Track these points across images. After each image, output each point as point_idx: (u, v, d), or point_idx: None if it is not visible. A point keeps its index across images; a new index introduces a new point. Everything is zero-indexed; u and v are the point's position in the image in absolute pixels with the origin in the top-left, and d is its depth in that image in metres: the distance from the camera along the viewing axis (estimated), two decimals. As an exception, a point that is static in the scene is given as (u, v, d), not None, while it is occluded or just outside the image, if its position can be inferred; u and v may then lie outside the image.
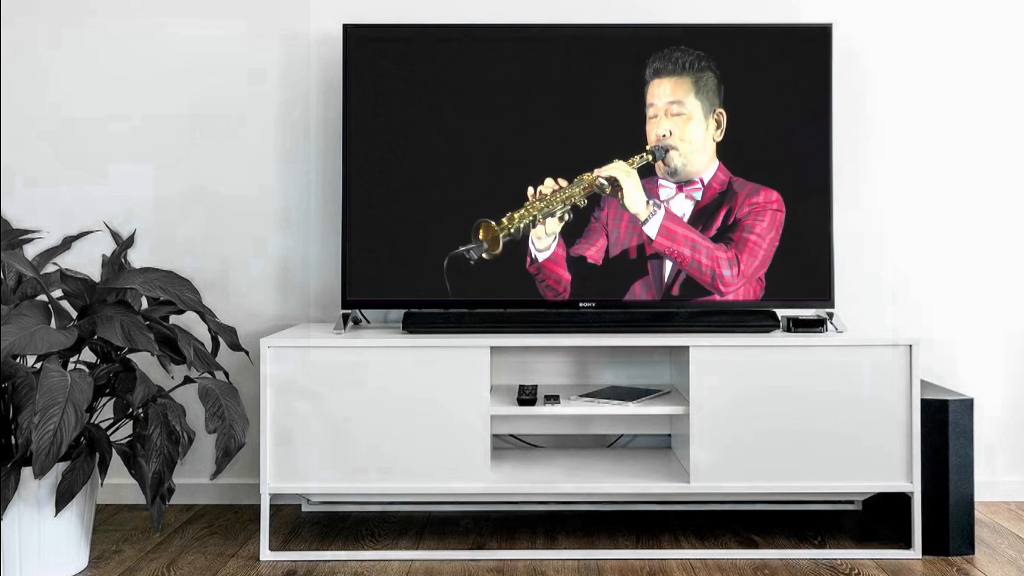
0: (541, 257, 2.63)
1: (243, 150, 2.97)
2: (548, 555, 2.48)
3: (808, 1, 2.95)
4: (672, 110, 2.62)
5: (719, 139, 2.64)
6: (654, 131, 2.65)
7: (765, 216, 2.62)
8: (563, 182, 2.61)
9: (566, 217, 2.62)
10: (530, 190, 2.60)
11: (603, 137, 2.66)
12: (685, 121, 2.63)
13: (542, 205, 2.54)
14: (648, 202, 2.62)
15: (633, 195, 2.61)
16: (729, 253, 2.63)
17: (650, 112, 2.66)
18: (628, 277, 2.65)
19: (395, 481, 2.49)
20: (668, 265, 2.64)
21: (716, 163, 2.64)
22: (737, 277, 2.63)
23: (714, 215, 2.63)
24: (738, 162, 2.66)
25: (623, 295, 2.65)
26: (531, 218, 2.57)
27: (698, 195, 2.64)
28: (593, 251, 2.64)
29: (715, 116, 2.62)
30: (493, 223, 2.56)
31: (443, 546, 2.55)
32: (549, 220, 2.61)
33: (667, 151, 2.64)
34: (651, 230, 2.62)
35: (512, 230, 2.59)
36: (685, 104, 2.63)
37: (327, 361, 2.49)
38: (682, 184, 2.64)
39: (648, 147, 2.65)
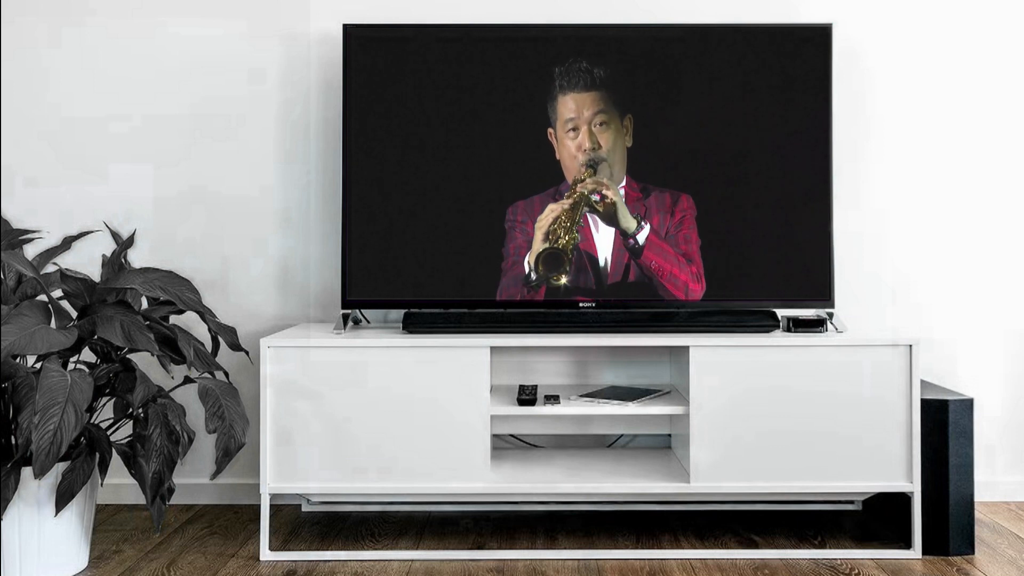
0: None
1: (243, 150, 2.97)
2: (548, 555, 2.48)
3: (808, 1, 2.95)
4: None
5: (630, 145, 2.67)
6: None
7: (691, 222, 2.64)
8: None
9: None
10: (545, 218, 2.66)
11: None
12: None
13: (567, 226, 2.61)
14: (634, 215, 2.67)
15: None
16: (693, 268, 2.64)
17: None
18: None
19: (395, 481, 2.49)
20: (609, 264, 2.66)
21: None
22: (700, 291, 2.65)
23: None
24: (738, 163, 2.66)
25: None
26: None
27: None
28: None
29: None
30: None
31: (443, 546, 2.55)
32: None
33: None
34: (641, 239, 2.64)
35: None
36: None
37: (327, 361, 2.49)
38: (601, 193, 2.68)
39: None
